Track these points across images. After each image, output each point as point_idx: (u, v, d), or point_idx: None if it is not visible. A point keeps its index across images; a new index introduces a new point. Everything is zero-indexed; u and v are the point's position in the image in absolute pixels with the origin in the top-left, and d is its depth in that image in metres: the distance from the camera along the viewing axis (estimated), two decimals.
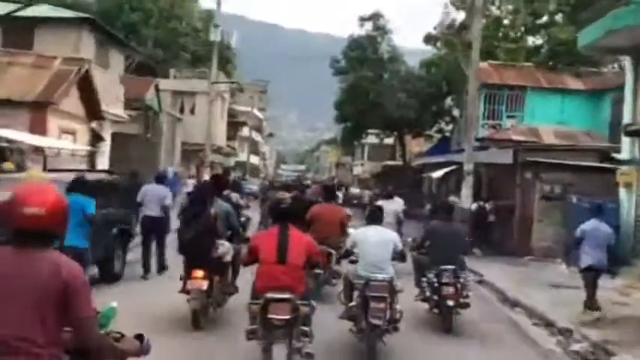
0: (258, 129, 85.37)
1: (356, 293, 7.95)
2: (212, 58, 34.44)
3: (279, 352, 6.56)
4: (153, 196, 13.13)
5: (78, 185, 9.33)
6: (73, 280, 3.14)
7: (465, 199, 21.31)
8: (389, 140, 52.76)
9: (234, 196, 13.90)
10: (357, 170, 63.98)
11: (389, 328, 7.76)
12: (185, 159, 38.96)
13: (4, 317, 3.05)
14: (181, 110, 40.06)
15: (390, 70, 39.23)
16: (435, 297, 9.48)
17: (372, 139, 59.11)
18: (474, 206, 21.50)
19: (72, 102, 21.28)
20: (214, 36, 33.94)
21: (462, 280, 9.45)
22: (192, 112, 39.73)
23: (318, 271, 9.42)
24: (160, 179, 14.04)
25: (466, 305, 9.55)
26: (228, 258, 9.03)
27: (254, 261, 6.88)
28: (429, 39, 38.80)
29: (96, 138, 23.93)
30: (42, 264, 3.12)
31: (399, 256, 8.29)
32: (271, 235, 6.88)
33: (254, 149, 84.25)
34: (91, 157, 24.88)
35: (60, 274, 3.11)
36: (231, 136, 61.13)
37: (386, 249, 8.09)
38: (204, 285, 8.45)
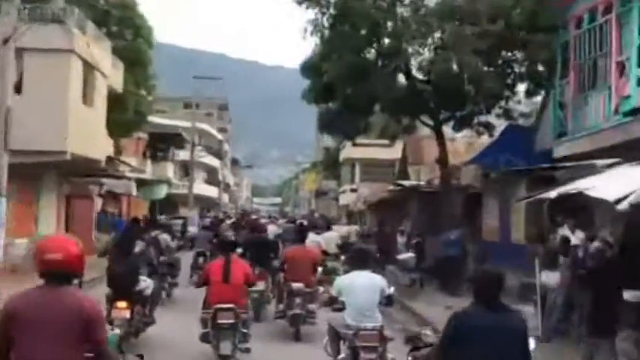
0: (218, 153, 63.87)
1: (345, 344, 7.37)
2: None
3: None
4: None
5: None
6: (92, 312, 3.75)
7: None
8: (395, 151, 31.66)
9: (163, 238, 13.81)
10: (346, 199, 42.30)
11: None
12: (22, 181, 17.24)
13: (44, 345, 3.60)
14: None
15: None
16: None
17: (367, 153, 38.01)
18: None
19: None
20: None
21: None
22: (17, 90, 18.16)
23: (297, 312, 10.36)
24: None
25: None
26: (148, 292, 9.79)
27: (205, 283, 8.78)
28: None
29: None
30: (68, 299, 3.71)
31: (386, 301, 7.56)
32: (219, 263, 8.84)
33: (212, 178, 62.49)
34: None
35: (82, 307, 3.71)
36: (158, 156, 39.67)
37: (374, 295, 7.36)
38: (127, 314, 8.97)
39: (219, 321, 8.14)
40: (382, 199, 29.60)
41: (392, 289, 7.89)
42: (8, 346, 3.63)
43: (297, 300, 10.47)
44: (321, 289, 10.43)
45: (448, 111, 19.45)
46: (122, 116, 29.70)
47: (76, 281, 3.91)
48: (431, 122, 19.78)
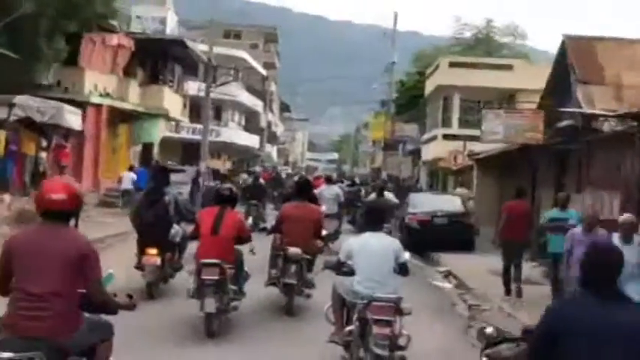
0: (260, 93, 50.01)
1: (355, 315, 6.13)
2: None
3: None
4: None
5: None
6: (87, 251, 3.91)
7: None
8: (514, 77, 17.19)
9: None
10: (434, 151, 27.11)
11: (395, 357, 5.86)
12: None
13: (41, 278, 3.77)
14: None
15: None
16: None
17: (472, 79, 23.93)
18: None
19: None
20: None
21: None
22: None
23: (290, 281, 8.64)
24: None
25: None
26: (177, 239, 9.44)
27: (197, 234, 7.83)
28: None
29: None
30: (65, 237, 3.92)
31: (401, 269, 6.31)
32: (210, 213, 7.83)
33: (252, 124, 48.92)
34: None
35: (78, 244, 3.91)
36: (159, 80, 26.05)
37: (388, 261, 6.19)
38: (158, 261, 8.93)
39: (203, 277, 7.35)
40: (525, 146, 15.15)
41: (407, 256, 6.45)
42: (8, 279, 3.87)
43: (293, 267, 8.66)
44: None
45: None
46: None
47: (72, 222, 4.16)
48: None
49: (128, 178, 22.11)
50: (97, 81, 21.97)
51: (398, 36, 39.53)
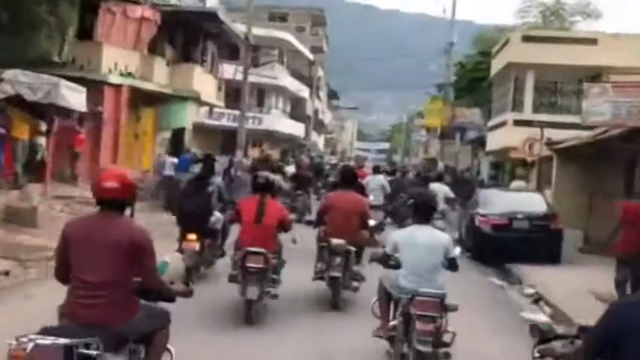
0: (307, 79, 46.90)
1: (398, 309, 6.03)
2: None
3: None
4: None
5: None
6: (141, 239, 3.87)
7: None
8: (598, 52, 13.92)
9: (276, 180, 12.02)
10: (502, 139, 23.14)
11: (438, 354, 5.64)
12: None
13: (96, 267, 3.75)
14: None
15: None
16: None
17: (549, 55, 20.73)
18: None
19: None
20: None
21: None
22: None
23: (334, 274, 8.36)
24: None
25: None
26: (218, 226, 9.70)
27: (238, 220, 7.97)
28: None
29: None
30: (120, 226, 3.86)
31: (450, 265, 6.08)
32: (252, 201, 7.90)
33: (298, 111, 45.98)
34: None
35: (132, 233, 3.86)
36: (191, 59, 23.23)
37: (435, 255, 5.99)
38: (197, 246, 9.12)
39: (248, 264, 7.40)
40: (633, 130, 11.68)
41: (457, 251, 6.23)
42: (67, 267, 3.87)
43: (338, 260, 8.38)
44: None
45: None
46: None
47: (128, 212, 4.11)
48: None
49: (170, 164, 19.09)
50: (117, 58, 19.33)
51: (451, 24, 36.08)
